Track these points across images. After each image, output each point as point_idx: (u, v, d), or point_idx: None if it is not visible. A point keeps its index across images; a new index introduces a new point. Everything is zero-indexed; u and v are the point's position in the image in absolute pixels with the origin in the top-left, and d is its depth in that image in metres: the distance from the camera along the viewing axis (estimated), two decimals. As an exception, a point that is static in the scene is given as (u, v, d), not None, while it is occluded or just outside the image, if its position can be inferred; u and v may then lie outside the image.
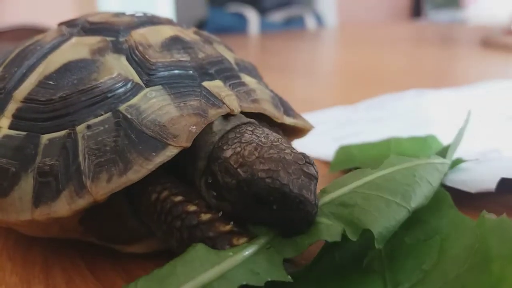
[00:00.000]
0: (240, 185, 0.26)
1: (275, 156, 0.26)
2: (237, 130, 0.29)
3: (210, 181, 0.28)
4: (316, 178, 0.26)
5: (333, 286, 0.26)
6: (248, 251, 0.25)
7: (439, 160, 0.33)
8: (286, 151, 0.26)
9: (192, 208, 0.27)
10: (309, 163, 0.26)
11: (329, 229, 0.25)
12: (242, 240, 0.25)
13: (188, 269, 0.24)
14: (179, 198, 0.28)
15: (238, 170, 0.26)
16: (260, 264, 0.24)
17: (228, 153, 0.27)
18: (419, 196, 0.28)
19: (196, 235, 0.26)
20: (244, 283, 0.23)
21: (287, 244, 0.25)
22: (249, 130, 0.28)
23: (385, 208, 0.27)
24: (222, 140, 0.28)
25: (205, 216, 0.26)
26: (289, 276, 0.24)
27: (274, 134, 0.28)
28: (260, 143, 0.27)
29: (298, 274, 0.26)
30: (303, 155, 0.26)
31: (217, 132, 0.29)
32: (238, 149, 0.27)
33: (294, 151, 0.27)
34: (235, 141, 0.28)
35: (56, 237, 0.33)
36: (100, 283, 0.30)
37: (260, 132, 0.28)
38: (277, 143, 0.27)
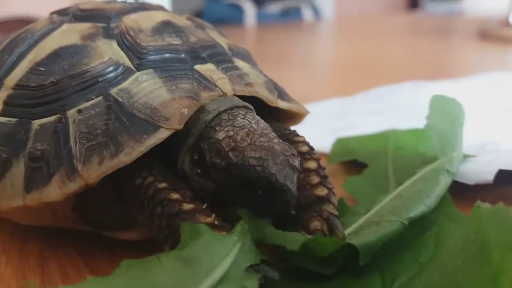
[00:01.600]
0: (229, 168, 0.26)
1: (266, 144, 0.27)
2: (230, 112, 0.29)
3: (196, 158, 0.28)
4: (299, 171, 0.27)
5: (330, 280, 0.26)
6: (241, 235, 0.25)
7: (446, 161, 0.34)
8: (274, 140, 0.27)
9: (174, 196, 0.27)
10: (294, 155, 0.27)
11: (294, 237, 0.26)
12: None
13: (210, 254, 0.24)
14: (163, 184, 0.27)
15: (230, 153, 0.27)
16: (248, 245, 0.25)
17: (220, 135, 0.28)
18: (418, 207, 0.29)
19: (176, 223, 0.26)
20: (249, 263, 0.24)
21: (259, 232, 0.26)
22: (241, 113, 0.29)
23: (375, 226, 0.27)
24: (215, 120, 0.29)
25: (187, 206, 0.26)
26: (265, 256, 0.25)
27: (264, 122, 0.29)
28: (252, 129, 0.27)
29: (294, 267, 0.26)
30: (289, 146, 0.27)
31: (210, 111, 0.29)
32: (231, 132, 0.27)
33: (281, 142, 0.28)
34: (228, 123, 0.28)
35: (49, 225, 0.32)
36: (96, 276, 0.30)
37: (251, 117, 0.29)
38: (267, 131, 0.28)
